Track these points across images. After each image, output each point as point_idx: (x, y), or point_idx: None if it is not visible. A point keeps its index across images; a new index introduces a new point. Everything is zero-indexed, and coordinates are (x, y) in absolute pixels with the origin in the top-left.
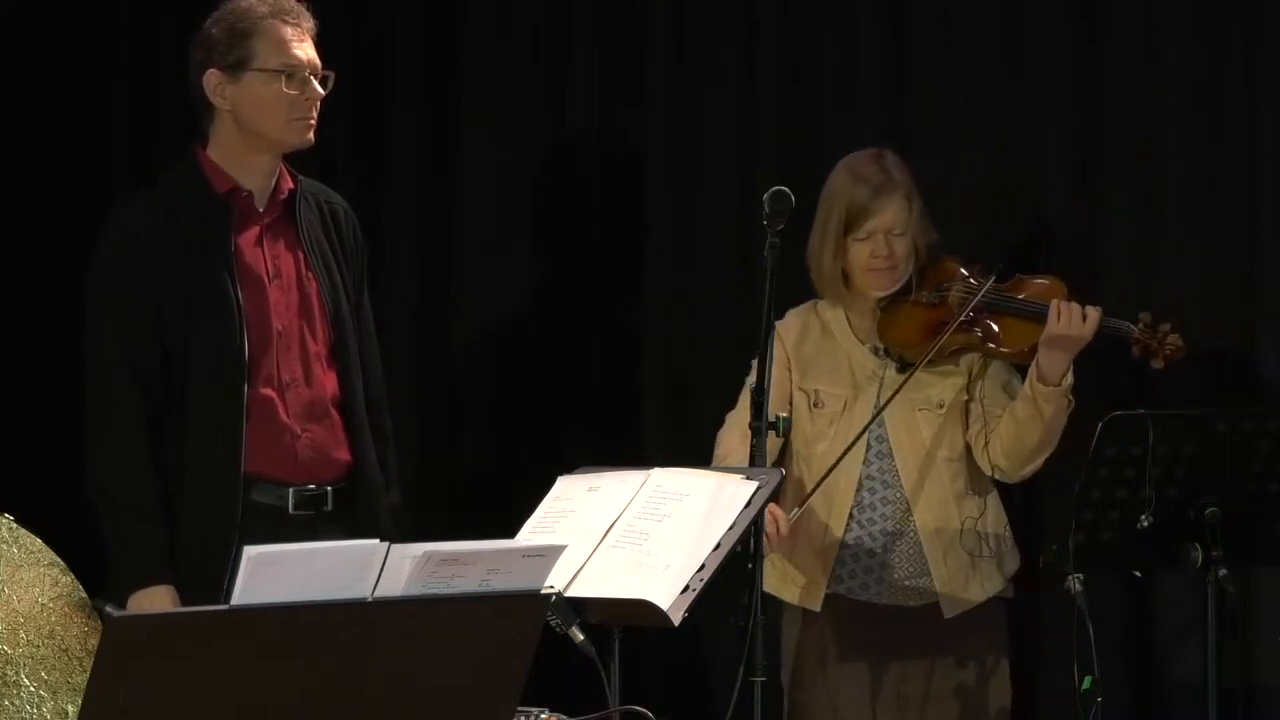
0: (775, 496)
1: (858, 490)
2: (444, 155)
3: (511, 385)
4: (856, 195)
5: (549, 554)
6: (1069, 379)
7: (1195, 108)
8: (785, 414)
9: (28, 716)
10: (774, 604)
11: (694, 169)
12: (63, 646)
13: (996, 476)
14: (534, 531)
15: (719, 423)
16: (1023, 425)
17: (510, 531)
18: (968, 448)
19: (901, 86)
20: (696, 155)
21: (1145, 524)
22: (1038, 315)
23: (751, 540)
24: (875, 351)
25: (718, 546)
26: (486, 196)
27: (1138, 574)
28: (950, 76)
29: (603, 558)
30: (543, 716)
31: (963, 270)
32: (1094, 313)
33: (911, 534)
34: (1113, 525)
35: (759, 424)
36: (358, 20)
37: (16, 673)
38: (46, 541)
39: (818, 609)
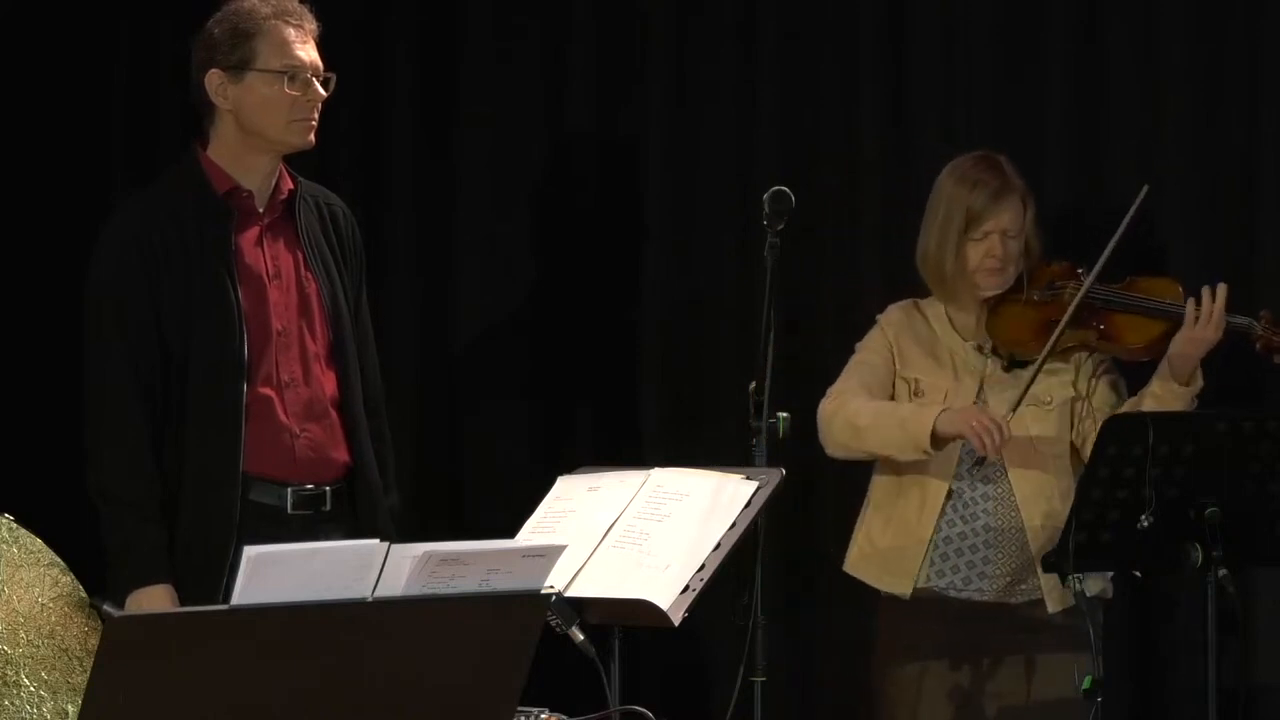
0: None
1: (958, 481)
2: (443, 155)
3: (511, 385)
4: (976, 198)
5: (549, 554)
6: (1199, 380)
7: (1195, 107)
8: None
9: (28, 716)
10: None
11: (694, 169)
12: (63, 646)
13: None
14: (534, 531)
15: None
16: None
17: (510, 531)
18: (1071, 445)
19: (901, 86)
20: (696, 156)
21: (1145, 524)
22: (1156, 312)
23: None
24: (979, 349)
25: (718, 546)
26: (486, 197)
27: (1138, 574)
28: (950, 76)
29: (603, 558)
30: (543, 716)
31: (1076, 270)
32: (1219, 310)
33: (1016, 529)
34: (1113, 525)
35: (759, 424)
36: (358, 21)
37: (16, 673)
38: (46, 541)
39: (907, 596)
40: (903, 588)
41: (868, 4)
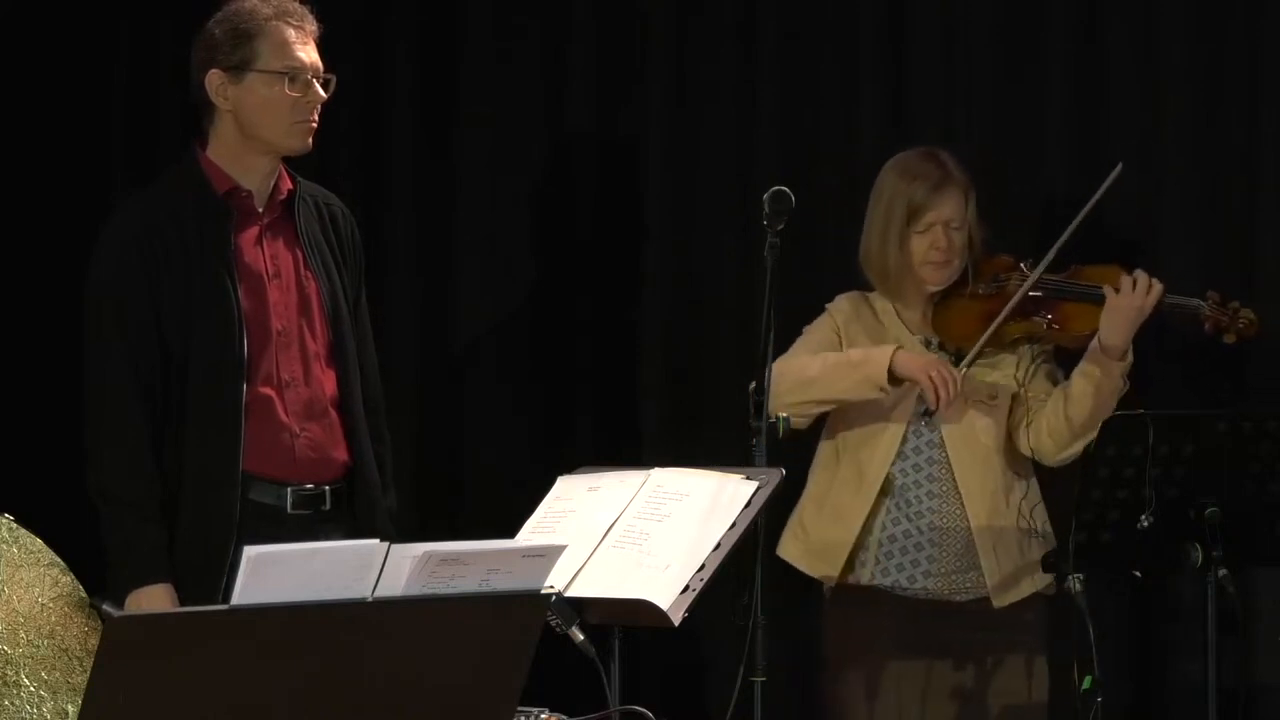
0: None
1: (901, 477)
2: (443, 155)
3: (511, 385)
4: (916, 190)
5: (549, 554)
6: (1129, 358)
7: (1195, 107)
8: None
9: (28, 716)
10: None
11: (694, 169)
12: (63, 646)
13: (1035, 458)
14: (534, 531)
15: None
16: (1074, 402)
17: (510, 531)
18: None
19: (901, 86)
20: (696, 156)
21: (1145, 524)
22: (1099, 298)
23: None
24: (926, 344)
25: (718, 546)
26: (486, 197)
27: (1138, 574)
28: (950, 76)
29: (603, 558)
30: (543, 716)
31: (1020, 264)
32: (1156, 284)
33: (962, 527)
34: (1113, 525)
35: (759, 424)
36: (358, 20)
37: (16, 673)
38: (46, 541)
39: (833, 583)
40: (829, 576)
41: (868, 4)
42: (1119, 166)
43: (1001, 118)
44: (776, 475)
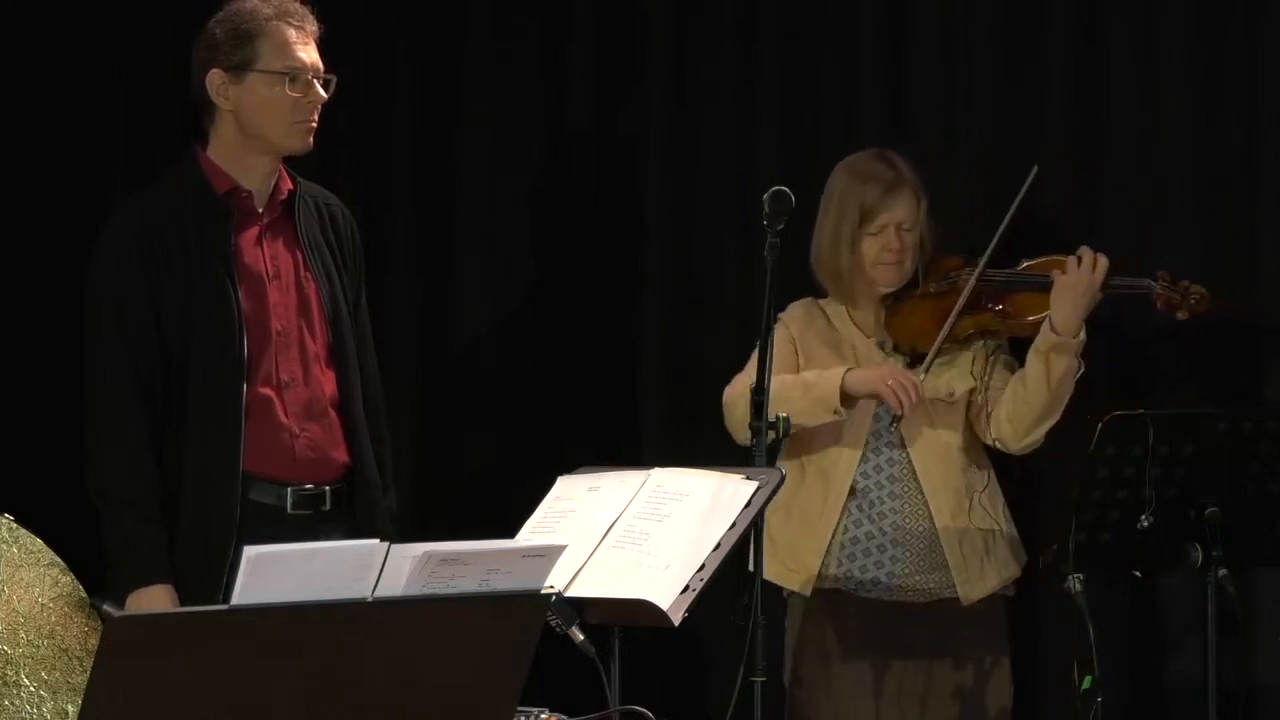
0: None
1: (863, 479)
2: (443, 155)
3: (511, 385)
4: (869, 192)
5: (549, 554)
6: (1081, 336)
7: (1195, 107)
8: (785, 414)
9: (28, 716)
10: (777, 600)
11: (694, 169)
12: (63, 646)
13: (997, 446)
14: (534, 531)
15: (719, 422)
16: (1031, 384)
17: (510, 531)
18: (974, 432)
19: (901, 86)
20: (696, 156)
21: (1145, 524)
22: (1048, 285)
23: (753, 540)
24: (880, 346)
25: (718, 546)
26: (486, 197)
27: (1138, 574)
28: (950, 76)
29: (603, 558)
30: (543, 716)
31: (969, 263)
32: (1103, 259)
33: (925, 528)
34: (1113, 525)
35: (759, 424)
36: (358, 20)
37: (16, 673)
38: (46, 541)
39: (808, 593)
40: (802, 585)
41: (868, 4)
42: (1034, 169)
43: (1001, 118)
44: (776, 475)
